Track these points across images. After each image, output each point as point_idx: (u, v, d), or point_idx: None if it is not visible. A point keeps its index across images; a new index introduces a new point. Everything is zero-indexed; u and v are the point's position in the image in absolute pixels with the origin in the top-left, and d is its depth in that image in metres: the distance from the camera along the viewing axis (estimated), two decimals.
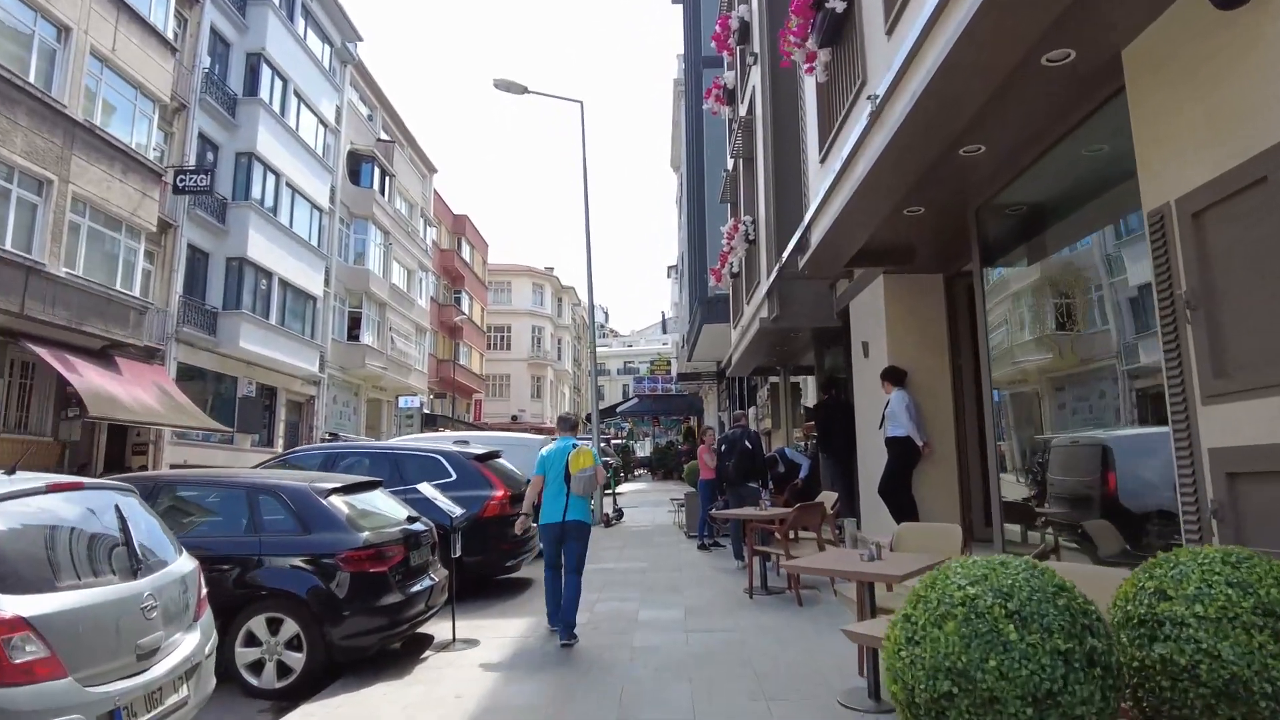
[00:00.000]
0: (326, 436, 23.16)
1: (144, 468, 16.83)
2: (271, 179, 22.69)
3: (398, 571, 5.15)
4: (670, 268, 48.46)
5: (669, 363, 41.88)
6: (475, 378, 46.41)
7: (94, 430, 16.33)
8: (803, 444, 11.27)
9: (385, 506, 5.78)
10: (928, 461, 6.86)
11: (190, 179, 17.52)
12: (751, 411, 14.98)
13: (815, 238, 6.39)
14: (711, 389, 25.94)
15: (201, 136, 20.22)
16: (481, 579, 7.56)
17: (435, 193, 40.60)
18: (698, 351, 19.15)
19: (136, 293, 16.59)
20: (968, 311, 7.13)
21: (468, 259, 45.11)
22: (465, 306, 44.10)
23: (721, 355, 20.08)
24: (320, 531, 4.99)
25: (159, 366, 17.99)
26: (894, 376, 6.91)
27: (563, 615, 5.61)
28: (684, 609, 6.67)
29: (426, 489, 5.89)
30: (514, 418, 52.01)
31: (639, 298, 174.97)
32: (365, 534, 5.07)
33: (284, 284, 23.09)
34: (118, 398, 15.01)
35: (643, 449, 42.51)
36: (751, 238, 10.02)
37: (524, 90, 14.97)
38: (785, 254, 7.46)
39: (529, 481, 6.15)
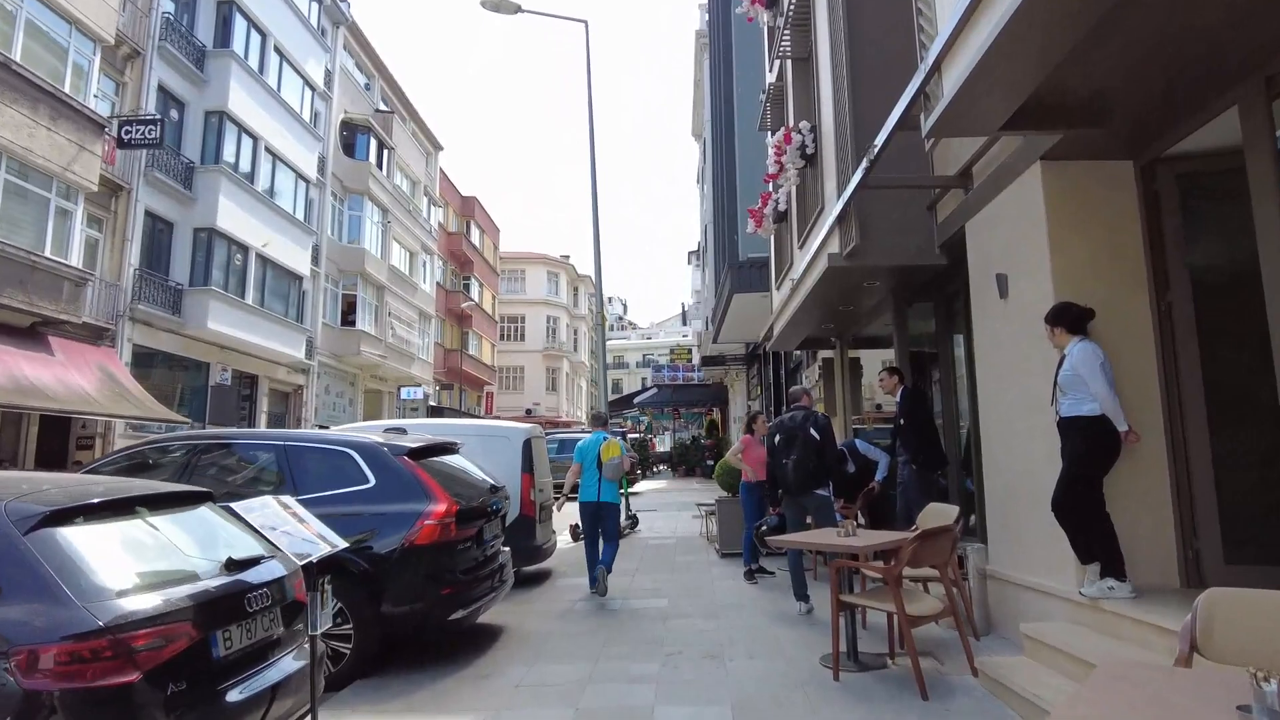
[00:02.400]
0: (317, 429, 20.85)
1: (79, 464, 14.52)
2: (248, 143, 20.32)
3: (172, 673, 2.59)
4: (691, 253, 45.75)
5: (690, 351, 39.17)
6: (486, 369, 44.05)
7: (21, 421, 14.05)
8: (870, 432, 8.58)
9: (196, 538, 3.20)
10: (1122, 459, 4.17)
11: (138, 131, 15.16)
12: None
13: (953, 80, 3.73)
14: (739, 375, 23.22)
15: (163, 91, 17.87)
16: (414, 638, 4.99)
17: (441, 171, 38.22)
18: (726, 329, 16.48)
19: (74, 261, 14.26)
20: (1185, 217, 4.41)
21: (477, 243, 42.72)
22: (475, 293, 41.74)
23: (752, 334, 17.38)
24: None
25: (108, 349, 15.68)
26: (1071, 318, 4.23)
27: (601, 560, 7.00)
28: (731, 702, 4.04)
29: (263, 509, 3.30)
30: (528, 411, 49.72)
31: (657, 293, 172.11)
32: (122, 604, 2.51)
33: (263, 260, 20.74)
34: (39, 384, 12.67)
35: (662, 443, 39.80)
36: (810, 151, 7.34)
37: (516, 9, 12.39)
38: (882, 138, 4.79)
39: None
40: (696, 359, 35.09)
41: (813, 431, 6.08)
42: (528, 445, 7.63)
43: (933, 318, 7.76)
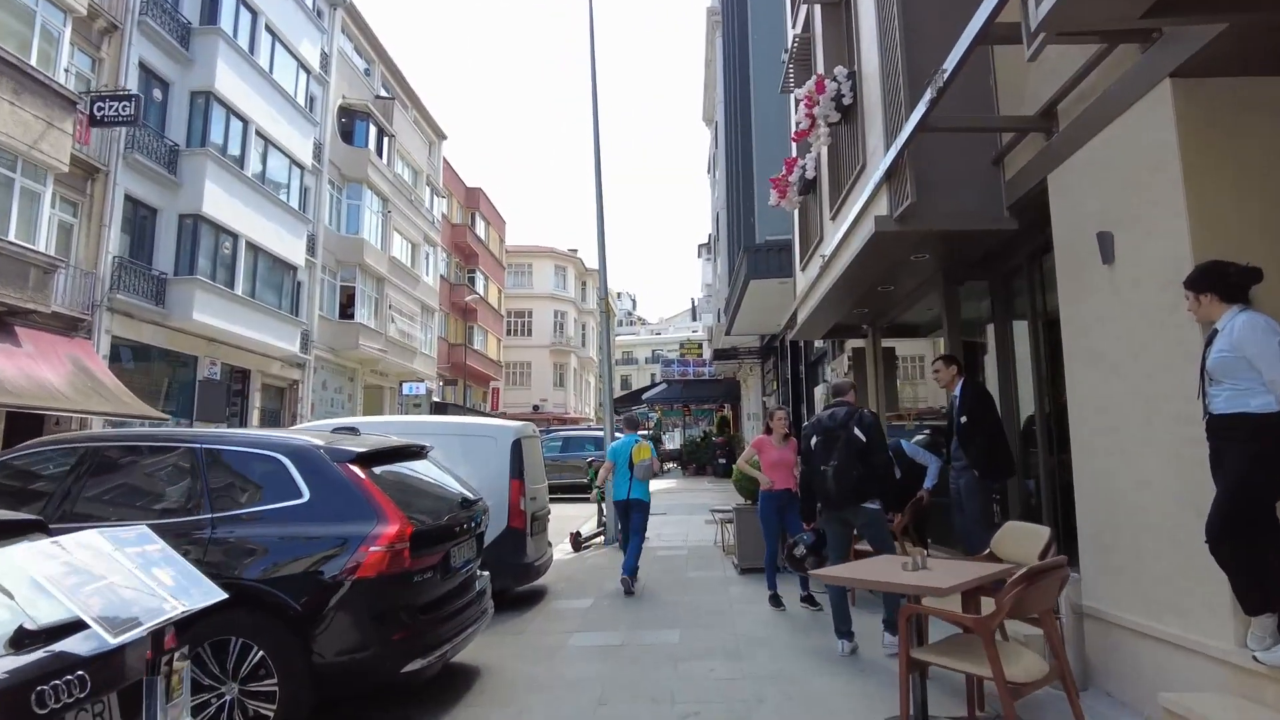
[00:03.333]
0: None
1: None
2: (237, 125, 19.37)
3: None
4: (701, 246, 44.68)
5: (700, 346, 38.06)
6: (492, 364, 43.11)
7: None
8: (922, 432, 7.46)
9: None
10: None
11: (112, 108, 14.19)
12: (821, 391, 11.18)
13: None
14: (753, 370, 22.12)
15: (145, 69, 16.92)
16: (358, 695, 3.95)
17: (445, 161, 37.25)
18: (740, 319, 15.38)
19: (42, 247, 13.34)
20: None
21: (482, 235, 41.75)
22: (480, 287, 40.80)
23: (769, 324, 16.29)
24: None
25: (82, 340, 14.76)
26: (1227, 281, 3.13)
27: (625, 566, 7.32)
28: None
29: (94, 548, 2.26)
30: (535, 407, 48.81)
31: (667, 288, 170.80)
32: None
33: (254, 249, 19.80)
34: None
35: (671, 440, 38.66)
36: (847, 101, 6.23)
37: None
38: (956, 57, 3.73)
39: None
40: (707, 353, 34.00)
41: (857, 432, 5.00)
42: (518, 447, 6.59)
43: (986, 299, 6.68)
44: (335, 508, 3.82)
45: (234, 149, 19.24)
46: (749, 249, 12.42)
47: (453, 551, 4.29)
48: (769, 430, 6.63)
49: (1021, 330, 6.23)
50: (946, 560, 4.05)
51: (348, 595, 3.64)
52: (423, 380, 31.38)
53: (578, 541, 9.73)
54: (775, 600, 6.22)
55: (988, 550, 4.35)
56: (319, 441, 4.10)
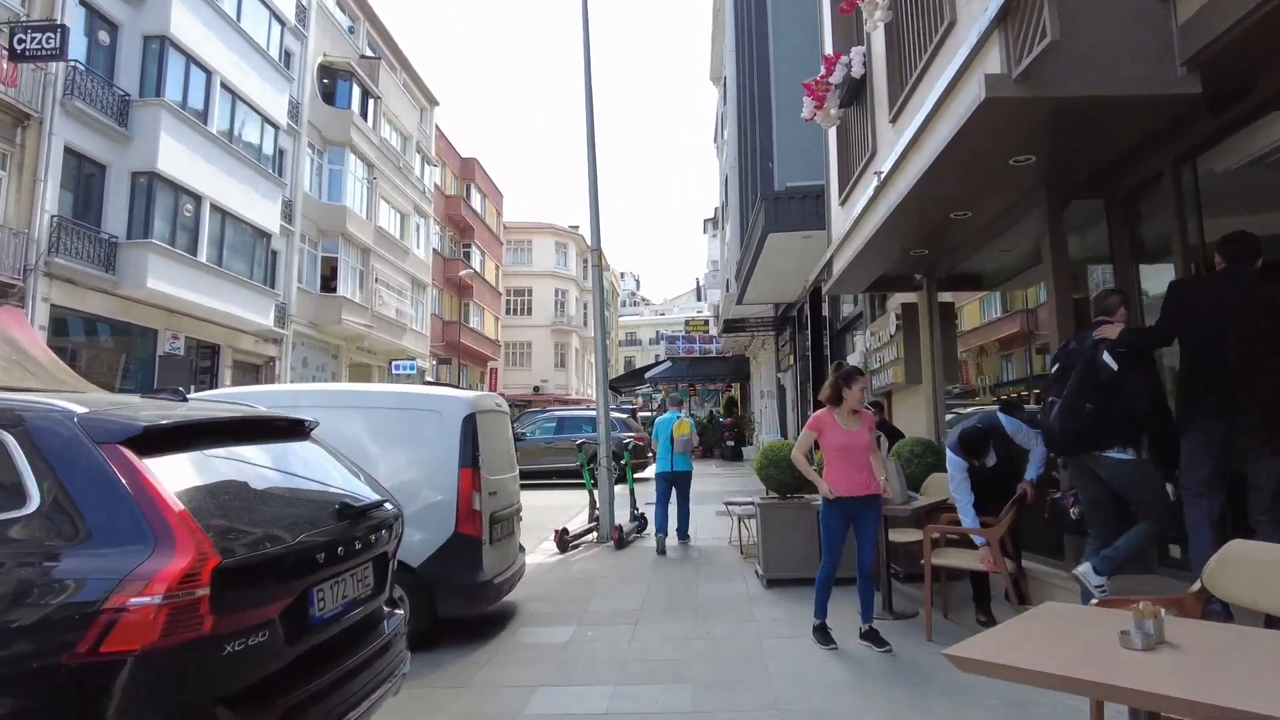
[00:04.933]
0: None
1: None
2: (199, 76, 17.57)
3: None
4: (707, 221, 42.84)
5: (706, 323, 36.30)
6: (489, 343, 41.45)
7: None
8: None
9: None
10: None
11: (34, 40, 12.42)
12: (855, 359, 9.41)
13: None
14: (766, 343, 20.36)
15: (87, 6, 15.13)
16: None
17: (437, 129, 35.36)
18: (754, 284, 13.63)
19: None
20: None
21: (478, 208, 39.91)
22: (476, 262, 39.02)
23: (787, 290, 14.54)
24: None
25: (13, 308, 13.09)
26: None
27: (679, 530, 8.45)
28: None
29: None
30: (536, 388, 47.26)
31: (671, 270, 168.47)
32: None
33: (220, 212, 18.08)
34: None
35: None
36: None
37: None
38: None
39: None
40: (714, 330, 32.28)
41: (1106, 358, 3.39)
42: (471, 424, 4.89)
43: (1098, 229, 4.95)
44: (82, 521, 2.13)
45: (195, 102, 17.47)
46: (766, 197, 10.64)
47: (319, 592, 2.61)
48: (835, 400, 4.56)
49: (1156, 275, 4.54)
50: (1192, 624, 2.30)
51: (79, 695, 1.96)
52: (414, 359, 29.73)
53: (564, 540, 8.07)
54: (823, 634, 4.53)
55: (1198, 585, 2.65)
56: (76, 408, 2.40)
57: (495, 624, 5.24)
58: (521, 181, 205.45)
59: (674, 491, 8.40)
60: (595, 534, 8.64)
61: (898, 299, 7.87)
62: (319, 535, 2.66)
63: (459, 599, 4.75)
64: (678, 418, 8.54)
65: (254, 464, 2.78)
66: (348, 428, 4.82)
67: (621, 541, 8.24)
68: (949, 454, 4.71)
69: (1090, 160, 4.63)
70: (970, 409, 6.85)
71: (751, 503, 7.06)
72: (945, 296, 7.31)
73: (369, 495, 3.18)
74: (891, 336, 7.54)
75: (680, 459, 8.35)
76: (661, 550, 7.88)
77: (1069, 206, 5.05)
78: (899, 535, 5.55)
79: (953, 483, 4.66)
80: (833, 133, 7.48)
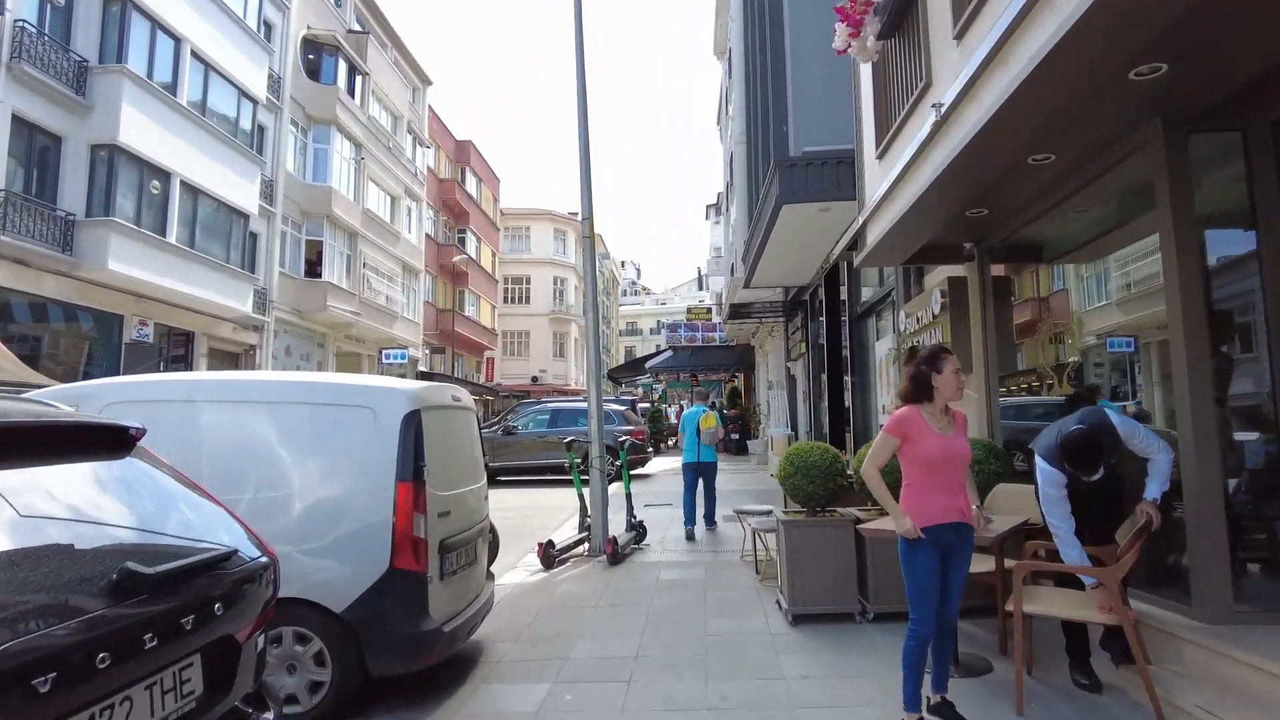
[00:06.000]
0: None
1: None
2: (166, 43, 16.35)
3: None
4: (709, 207, 41.62)
5: (709, 311, 35.10)
6: (486, 332, 40.33)
7: None
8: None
9: None
10: None
11: None
12: (885, 349, 8.17)
13: None
14: (774, 331, 19.19)
15: None
16: None
17: (431, 110, 34.09)
18: (764, 264, 12.46)
19: None
20: None
21: (474, 193, 38.69)
22: (471, 249, 37.82)
23: (799, 272, 13.37)
24: None
25: None
26: None
27: (706, 516, 8.95)
28: None
29: None
30: (534, 379, 46.20)
31: (672, 260, 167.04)
32: None
33: (191, 190, 16.90)
34: None
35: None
36: None
37: None
38: None
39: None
40: (717, 317, 31.10)
41: None
42: (414, 425, 3.75)
43: (1232, 168, 3.80)
44: None
45: (163, 71, 16.26)
46: (781, 164, 9.46)
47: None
48: (920, 394, 3.28)
49: None
50: None
51: None
52: (405, 348, 28.61)
53: (550, 555, 6.94)
54: (947, 714, 3.27)
55: None
56: None
57: (447, 680, 4.11)
58: (520, 167, 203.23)
59: (700, 481, 8.92)
60: (586, 546, 7.51)
61: (941, 274, 6.71)
62: (83, 625, 1.52)
63: (395, 653, 3.62)
64: (704, 411, 9.05)
65: (20, 500, 1.64)
66: (254, 428, 3.69)
67: (616, 556, 7.10)
68: (1041, 465, 3.57)
69: (1237, 73, 3.48)
70: (1036, 406, 5.71)
71: (770, 513, 5.92)
72: (997, 269, 6.15)
73: (211, 542, 2.04)
74: (935, 317, 6.37)
75: (706, 450, 8.87)
76: (690, 538, 8.50)
77: (1189, 142, 3.89)
78: None
79: (1047, 504, 3.52)
80: (866, 75, 6.28)
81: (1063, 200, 4.94)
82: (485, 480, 4.86)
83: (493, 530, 7.18)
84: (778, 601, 5.27)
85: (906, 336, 7.07)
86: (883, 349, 8.41)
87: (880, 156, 6.00)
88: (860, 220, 6.45)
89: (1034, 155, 4.30)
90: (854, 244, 7.46)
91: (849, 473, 5.21)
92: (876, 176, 6.17)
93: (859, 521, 4.69)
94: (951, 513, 3.17)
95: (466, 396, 4.73)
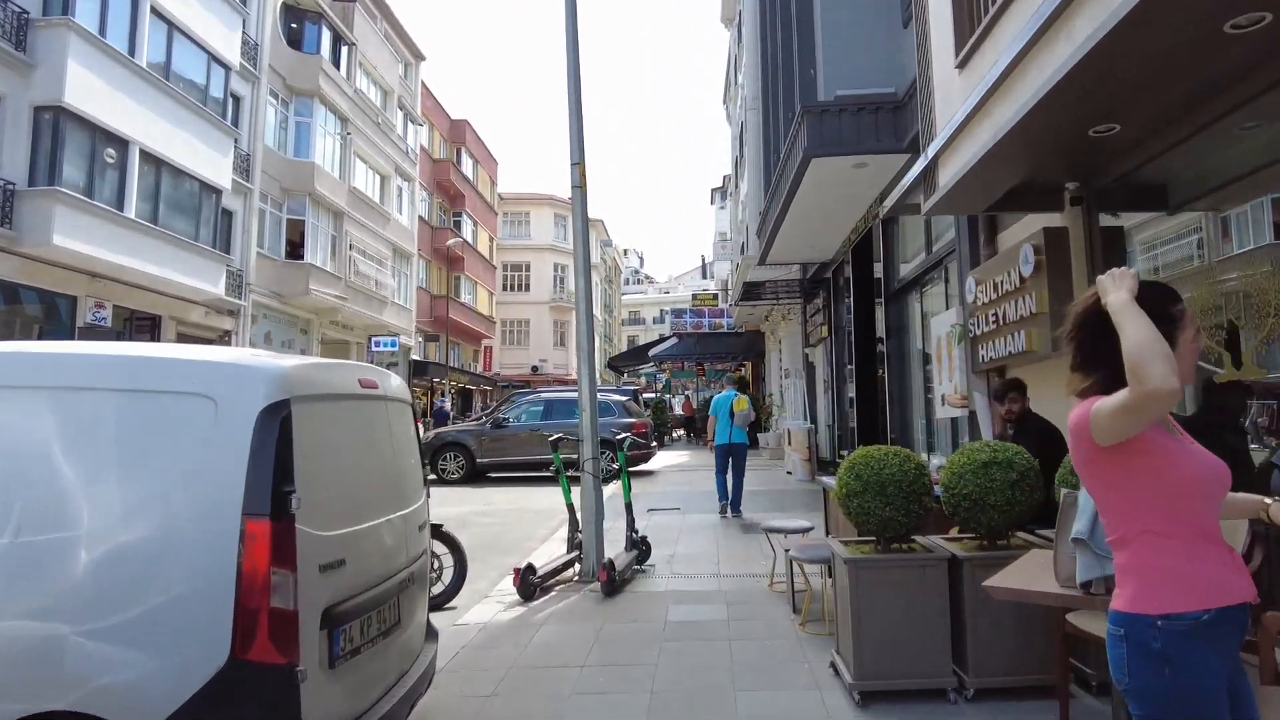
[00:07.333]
0: None
1: None
2: None
3: None
4: (714, 190, 40.07)
5: (715, 297, 33.60)
6: (483, 320, 38.91)
7: None
8: None
9: None
10: None
11: None
12: (947, 323, 6.68)
13: None
14: (789, 315, 17.70)
15: None
16: None
17: (424, 86, 32.55)
18: (785, 234, 10.99)
19: None
20: None
21: (470, 175, 37.16)
22: (467, 233, 36.33)
23: (822, 246, 11.91)
24: None
25: None
26: None
27: (732, 503, 9.34)
28: None
29: None
30: (534, 368, 44.80)
31: (676, 253, 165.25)
32: None
33: (153, 161, 15.45)
34: None
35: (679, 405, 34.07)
36: None
37: None
38: None
39: None
40: (724, 303, 29.62)
41: None
42: (279, 425, 2.30)
43: None
44: None
45: (118, 29, 14.78)
46: (810, 109, 7.99)
47: None
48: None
49: None
50: None
51: None
52: (396, 335, 27.20)
53: (529, 583, 5.51)
54: None
55: None
56: None
57: None
58: (520, 152, 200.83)
59: (730, 462, 9.31)
60: (575, 569, 6.08)
61: (1021, 229, 5.24)
62: None
63: None
64: (735, 395, 9.61)
65: None
66: (17, 431, 2.27)
67: (612, 583, 5.65)
68: None
69: None
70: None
71: (807, 532, 4.46)
72: (1110, 221, 4.68)
73: None
74: (1023, 281, 4.91)
75: (738, 432, 9.37)
76: (724, 513, 9.23)
77: None
78: (1087, 621, 3.00)
79: None
80: None
81: (1244, 103, 3.46)
82: (424, 499, 3.42)
83: (457, 548, 5.79)
84: (833, 665, 3.82)
85: (979, 309, 5.61)
86: (942, 325, 6.94)
87: (961, 66, 4.52)
88: (929, 155, 4.97)
89: (1237, 18, 2.82)
90: (904, 198, 5.99)
91: (936, 490, 3.75)
92: (954, 95, 4.70)
93: (955, 560, 3.24)
94: (1244, 590, 1.66)
95: (394, 381, 3.28)
